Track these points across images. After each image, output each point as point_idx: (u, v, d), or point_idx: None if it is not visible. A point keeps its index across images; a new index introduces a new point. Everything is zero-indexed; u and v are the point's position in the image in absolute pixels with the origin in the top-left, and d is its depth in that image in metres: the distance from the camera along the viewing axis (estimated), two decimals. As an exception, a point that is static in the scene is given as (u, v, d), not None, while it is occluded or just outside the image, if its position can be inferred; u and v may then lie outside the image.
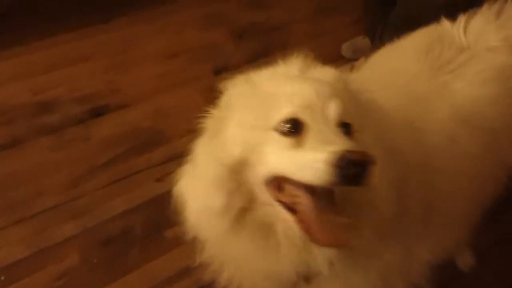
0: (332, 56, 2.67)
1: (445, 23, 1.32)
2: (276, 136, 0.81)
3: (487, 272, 1.64)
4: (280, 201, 0.82)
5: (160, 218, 1.81)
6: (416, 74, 1.19)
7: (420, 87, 1.15)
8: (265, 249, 0.87)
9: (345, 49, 2.71)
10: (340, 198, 0.82)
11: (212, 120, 0.91)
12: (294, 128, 0.80)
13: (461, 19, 1.31)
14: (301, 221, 0.80)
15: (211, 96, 0.94)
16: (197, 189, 0.89)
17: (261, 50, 2.71)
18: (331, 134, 0.79)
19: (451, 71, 1.20)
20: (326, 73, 0.93)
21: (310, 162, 0.74)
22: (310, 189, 0.79)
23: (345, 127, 0.83)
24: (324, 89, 0.84)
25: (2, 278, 1.69)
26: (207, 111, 0.94)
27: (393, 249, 0.96)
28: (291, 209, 0.81)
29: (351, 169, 0.71)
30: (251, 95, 0.87)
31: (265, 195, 0.83)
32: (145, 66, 2.62)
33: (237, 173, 0.83)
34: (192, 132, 0.96)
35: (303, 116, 0.81)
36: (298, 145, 0.79)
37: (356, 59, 2.56)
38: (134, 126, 2.27)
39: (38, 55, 2.62)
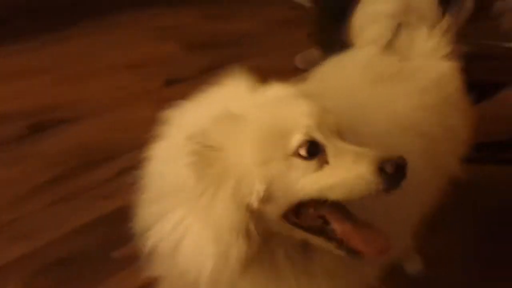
0: (286, 68, 2.71)
1: (386, 36, 1.35)
2: (298, 162, 0.80)
3: (436, 276, 1.66)
4: (303, 226, 0.84)
5: (109, 237, 1.73)
6: (356, 86, 1.22)
7: (359, 97, 1.17)
8: (269, 278, 0.88)
9: (299, 60, 2.75)
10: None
11: (201, 166, 0.82)
12: (313, 149, 0.81)
13: (403, 31, 1.35)
14: (339, 239, 0.83)
15: (164, 109, 0.90)
16: (202, 239, 0.82)
17: (215, 62, 2.70)
18: (348, 146, 0.82)
19: (391, 81, 1.23)
20: (285, 89, 0.90)
21: (355, 178, 0.78)
22: (333, 206, 0.82)
23: (343, 138, 0.86)
24: (318, 104, 0.85)
25: None
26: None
27: None
28: (319, 231, 0.84)
29: (397, 173, 0.77)
30: (245, 129, 0.82)
31: (282, 225, 0.83)
32: (96, 79, 2.59)
33: (258, 212, 0.81)
34: (143, 146, 0.91)
35: (316, 135, 0.81)
36: (323, 164, 0.81)
37: (308, 71, 2.58)
38: (82, 141, 2.19)
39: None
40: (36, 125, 2.24)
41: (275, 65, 2.72)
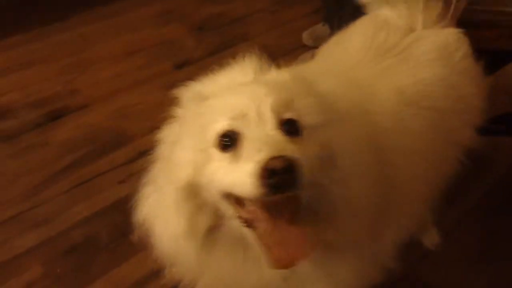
0: (293, 46, 2.68)
1: (391, 8, 1.32)
2: (216, 153, 0.77)
3: (453, 248, 1.67)
4: (240, 217, 0.79)
5: (125, 221, 1.72)
6: (359, 61, 1.19)
7: (362, 73, 1.14)
8: (245, 262, 0.86)
9: (306, 37, 2.71)
10: (311, 200, 0.79)
11: (167, 144, 0.87)
12: (231, 141, 0.76)
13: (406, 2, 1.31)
14: (260, 239, 0.76)
15: (173, 92, 0.91)
16: (162, 215, 0.86)
17: (222, 43, 2.68)
18: (264, 139, 0.74)
19: (395, 55, 1.20)
20: (279, 75, 0.89)
21: (241, 175, 0.70)
22: (269, 201, 0.74)
23: (290, 125, 0.78)
24: (259, 91, 0.80)
25: (-38, 295, 1.60)
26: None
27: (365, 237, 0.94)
28: (251, 225, 0.77)
29: (276, 179, 0.67)
30: (197, 113, 0.82)
31: (230, 210, 0.80)
32: (103, 65, 2.57)
33: (194, 194, 0.80)
34: (155, 130, 0.92)
35: (238, 126, 0.76)
36: (236, 158, 0.74)
37: (317, 47, 2.55)
38: (94, 127, 2.20)
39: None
40: (50, 113, 2.25)
41: (282, 43, 2.70)
